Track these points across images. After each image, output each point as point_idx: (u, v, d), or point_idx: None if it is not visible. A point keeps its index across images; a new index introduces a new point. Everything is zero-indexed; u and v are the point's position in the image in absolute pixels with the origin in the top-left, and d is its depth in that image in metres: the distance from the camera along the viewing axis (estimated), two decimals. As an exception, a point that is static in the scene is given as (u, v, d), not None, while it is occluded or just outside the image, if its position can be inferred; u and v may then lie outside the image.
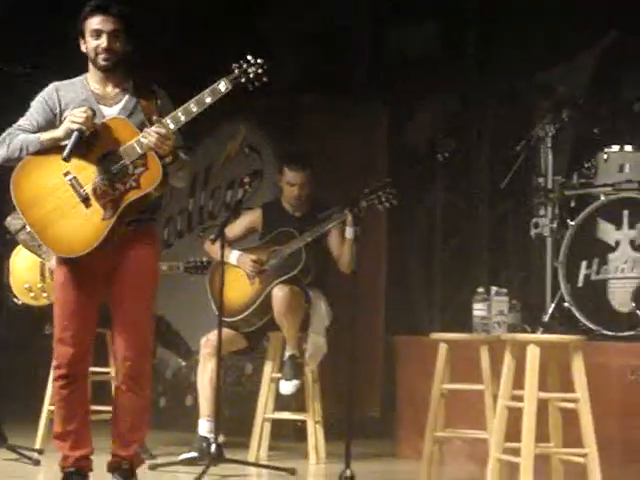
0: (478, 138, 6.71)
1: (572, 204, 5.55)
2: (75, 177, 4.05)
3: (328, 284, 5.64)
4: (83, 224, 4.02)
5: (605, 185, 5.41)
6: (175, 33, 6.94)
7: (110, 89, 4.18)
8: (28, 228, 4.34)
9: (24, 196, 4.08)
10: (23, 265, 5.62)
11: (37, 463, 5.07)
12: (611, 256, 5.30)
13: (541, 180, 5.53)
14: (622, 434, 4.82)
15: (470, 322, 4.92)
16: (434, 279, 6.84)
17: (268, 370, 5.56)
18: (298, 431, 5.95)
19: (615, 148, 5.44)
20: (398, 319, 6.67)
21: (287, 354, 5.43)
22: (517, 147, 5.55)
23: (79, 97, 4.14)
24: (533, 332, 5.15)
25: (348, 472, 4.55)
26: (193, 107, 4.04)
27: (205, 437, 5.26)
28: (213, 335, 5.25)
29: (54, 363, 4.16)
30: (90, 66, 4.20)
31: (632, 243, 5.26)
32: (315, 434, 5.48)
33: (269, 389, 5.54)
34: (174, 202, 6.98)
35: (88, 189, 4.03)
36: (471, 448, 5.15)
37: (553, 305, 5.38)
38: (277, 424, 5.67)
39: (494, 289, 4.92)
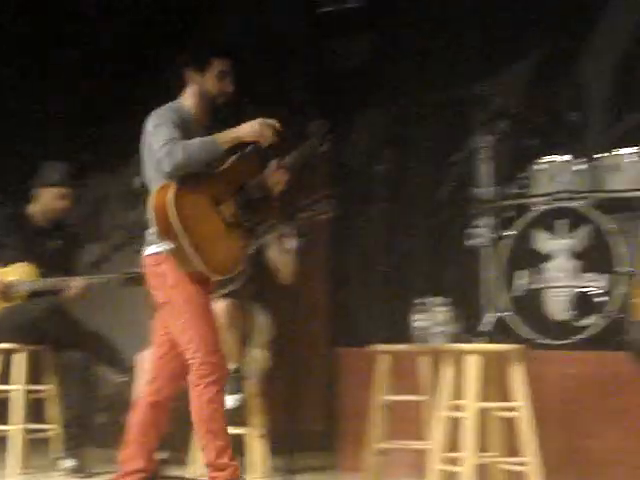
0: (416, 149, 6.74)
1: (508, 214, 5.61)
2: (219, 207, 4.30)
3: (269, 297, 5.62)
4: (229, 250, 4.30)
5: (540, 195, 5.48)
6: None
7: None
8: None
9: (179, 221, 4.22)
10: None
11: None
12: (547, 265, 5.37)
13: (477, 191, 5.59)
14: (561, 442, 4.87)
15: (412, 333, 4.94)
16: (375, 290, 6.85)
17: (209, 385, 5.51)
18: (242, 445, 5.91)
19: (550, 159, 5.51)
20: (341, 331, 6.66)
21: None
22: (453, 158, 5.60)
23: (190, 121, 4.31)
24: (472, 342, 5.19)
25: (291, 486, 4.55)
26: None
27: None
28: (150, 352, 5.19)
29: (213, 377, 4.26)
30: (195, 97, 4.33)
31: (567, 252, 5.34)
32: (257, 448, 5.45)
33: (210, 404, 5.49)
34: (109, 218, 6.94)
35: (229, 219, 4.30)
36: (413, 459, 5.16)
37: (491, 315, 5.42)
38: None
39: (433, 300, 4.95)
